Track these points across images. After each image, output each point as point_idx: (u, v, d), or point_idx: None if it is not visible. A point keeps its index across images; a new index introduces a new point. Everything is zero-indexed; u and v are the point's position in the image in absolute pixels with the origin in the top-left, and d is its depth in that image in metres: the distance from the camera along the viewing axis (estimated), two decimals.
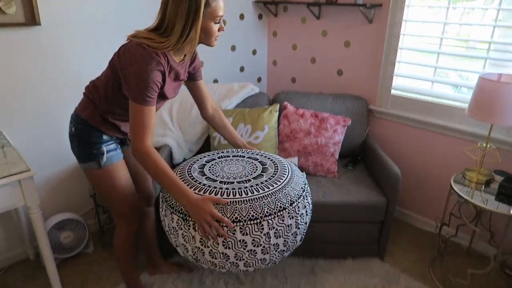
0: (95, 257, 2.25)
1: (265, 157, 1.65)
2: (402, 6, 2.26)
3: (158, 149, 2.32)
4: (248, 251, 1.34)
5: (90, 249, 2.30)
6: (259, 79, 3.24)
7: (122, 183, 1.57)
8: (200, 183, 1.43)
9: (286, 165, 1.59)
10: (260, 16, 3.03)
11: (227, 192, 1.36)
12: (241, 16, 2.90)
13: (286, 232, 1.39)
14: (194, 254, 1.40)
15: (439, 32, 2.20)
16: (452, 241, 2.40)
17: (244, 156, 1.66)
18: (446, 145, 2.31)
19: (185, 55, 1.47)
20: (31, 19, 1.91)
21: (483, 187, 1.90)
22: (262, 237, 1.34)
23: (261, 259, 1.38)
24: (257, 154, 1.68)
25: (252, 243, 1.33)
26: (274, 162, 1.60)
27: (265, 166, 1.56)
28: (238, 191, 1.37)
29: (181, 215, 1.37)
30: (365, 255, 2.19)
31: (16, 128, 2.01)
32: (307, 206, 1.50)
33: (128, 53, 1.30)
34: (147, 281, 2.01)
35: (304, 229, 1.51)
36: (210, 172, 1.52)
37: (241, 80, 3.08)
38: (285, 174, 1.51)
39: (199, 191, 1.38)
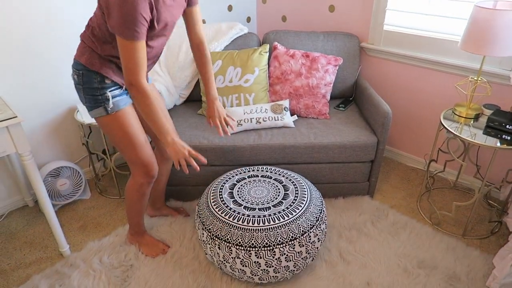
0: (93, 203, 2.31)
1: (290, 180, 1.83)
2: None
3: None
4: (261, 270, 1.58)
5: (87, 196, 2.35)
6: (248, 19, 3.11)
7: (133, 129, 1.54)
8: (227, 206, 1.67)
9: (306, 192, 1.75)
10: None
11: (247, 219, 1.59)
12: None
13: (296, 257, 1.59)
14: (218, 264, 1.68)
15: None
16: (439, 176, 2.48)
17: (271, 177, 1.85)
18: (437, 80, 2.29)
19: None
20: None
21: (472, 122, 1.92)
22: (274, 261, 1.56)
23: (273, 276, 1.61)
24: (283, 176, 1.86)
25: (265, 264, 1.56)
26: (296, 187, 1.78)
27: (287, 192, 1.75)
28: (257, 219, 1.59)
29: (210, 234, 1.62)
30: (355, 193, 2.26)
31: (3, 76, 1.95)
32: (319, 234, 1.66)
33: None
34: (146, 223, 2.08)
35: (316, 252, 1.68)
36: (238, 195, 1.74)
37: (229, 20, 2.96)
38: (303, 203, 1.68)
39: (225, 214, 1.63)
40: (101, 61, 1.44)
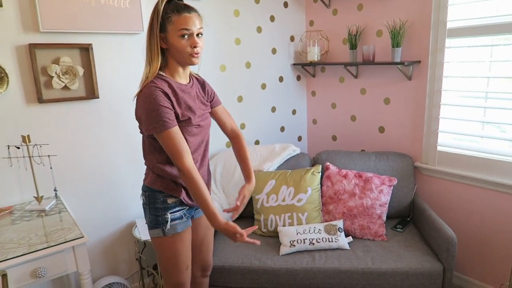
0: None
1: None
2: (442, 62, 2.26)
3: None
4: None
5: None
6: (299, 138, 3.27)
7: (181, 255, 1.59)
8: None
9: None
10: (298, 78, 3.14)
11: None
12: (280, 79, 3.02)
13: None
14: None
15: (483, 86, 2.15)
16: None
17: None
18: (503, 203, 2.15)
19: (190, 77, 1.56)
20: (91, 93, 2.11)
21: None
22: None
23: None
24: None
25: None
26: None
27: None
28: None
29: None
30: None
31: (73, 194, 2.14)
32: None
33: (136, 101, 1.44)
34: None
35: None
36: None
37: (282, 139, 3.13)
38: None
39: None
40: (160, 179, 1.54)
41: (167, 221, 1.53)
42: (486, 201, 2.22)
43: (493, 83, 2.13)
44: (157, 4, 1.37)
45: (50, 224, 1.73)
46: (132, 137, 2.29)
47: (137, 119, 1.49)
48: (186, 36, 1.37)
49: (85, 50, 2.06)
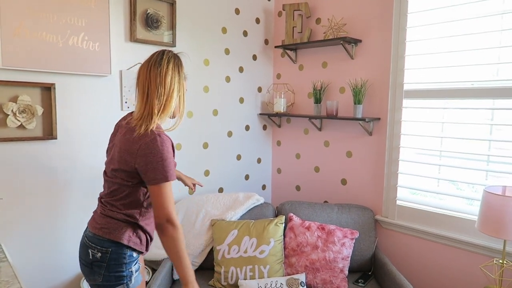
0: None
1: None
2: (400, 120, 2.39)
3: (159, 262, 2.22)
4: None
5: None
6: (263, 187, 3.26)
7: None
8: None
9: None
10: (264, 127, 3.20)
11: None
12: (247, 127, 3.06)
13: None
14: None
15: (437, 145, 2.28)
16: None
17: None
18: (460, 259, 2.20)
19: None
20: (49, 133, 2.02)
21: None
22: None
23: None
24: None
25: None
26: None
27: None
28: None
29: None
30: None
31: (16, 242, 1.96)
32: None
33: (144, 146, 1.38)
34: None
35: None
36: None
37: (246, 188, 3.10)
38: None
39: None
40: (136, 234, 1.48)
41: (132, 275, 1.46)
42: (443, 256, 2.27)
43: (446, 143, 2.26)
44: (180, 61, 1.52)
45: None
46: (87, 184, 2.18)
47: (125, 163, 1.41)
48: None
49: (47, 90, 1.99)
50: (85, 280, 2.08)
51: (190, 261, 1.44)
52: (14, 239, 1.95)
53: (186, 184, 1.96)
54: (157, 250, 2.23)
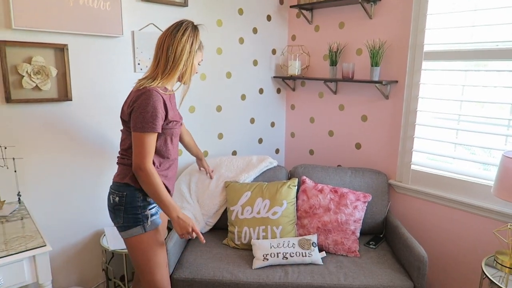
0: None
1: None
2: (418, 83, 2.32)
3: None
4: None
5: None
6: (277, 151, 3.27)
7: (161, 249, 1.65)
8: None
9: None
10: (278, 90, 3.15)
11: None
12: (261, 91, 3.02)
13: None
14: None
15: (456, 109, 2.22)
16: None
17: None
18: (473, 224, 2.20)
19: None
20: (64, 95, 2.03)
21: None
22: None
23: None
24: None
25: None
26: None
27: None
28: None
29: None
30: None
31: (38, 199, 2.03)
32: None
33: (135, 99, 1.53)
34: None
35: None
36: None
37: (259, 151, 3.11)
38: None
39: None
40: None
41: (148, 217, 1.59)
42: (456, 221, 2.27)
43: (466, 107, 2.20)
44: (197, 30, 1.64)
45: (11, 231, 1.63)
46: (104, 142, 2.22)
47: (124, 113, 1.58)
48: (199, 64, 1.74)
49: (60, 51, 1.99)
50: (105, 237, 2.16)
51: (172, 201, 1.56)
52: (35, 197, 2.03)
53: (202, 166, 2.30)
54: None
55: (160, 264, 1.64)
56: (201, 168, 2.38)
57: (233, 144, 2.93)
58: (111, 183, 1.68)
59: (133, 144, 1.53)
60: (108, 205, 1.66)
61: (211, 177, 2.35)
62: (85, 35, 2.06)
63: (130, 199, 1.58)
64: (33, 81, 1.91)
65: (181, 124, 1.72)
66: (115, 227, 2.24)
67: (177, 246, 2.04)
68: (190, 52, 1.60)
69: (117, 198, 1.59)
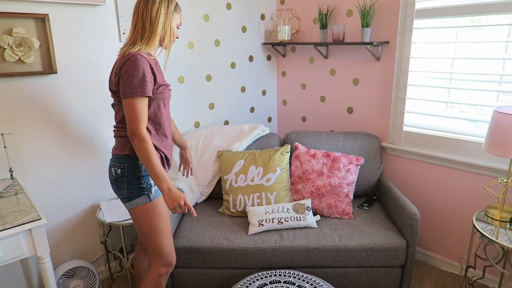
0: None
1: (314, 287, 1.72)
2: (409, 43, 2.28)
3: None
4: None
5: None
6: (269, 119, 3.25)
7: (166, 217, 1.65)
8: None
9: None
10: (268, 57, 3.10)
11: None
12: (250, 58, 2.97)
13: None
14: None
15: (448, 67, 2.20)
16: (479, 284, 2.26)
17: (294, 284, 1.74)
18: (464, 181, 2.23)
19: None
20: (49, 67, 1.98)
21: (508, 225, 1.81)
22: None
23: None
24: (307, 282, 1.75)
25: None
26: None
27: None
28: None
29: None
30: None
31: (31, 175, 2.02)
32: None
33: (121, 66, 1.49)
34: None
35: None
36: None
37: (251, 120, 3.10)
38: None
39: None
40: None
41: (152, 186, 1.60)
42: (447, 179, 2.31)
43: (458, 65, 2.18)
44: None
45: (5, 206, 1.63)
46: (93, 114, 2.19)
47: (112, 84, 1.54)
48: (179, 28, 1.67)
49: (41, 21, 1.92)
50: (101, 210, 2.17)
51: (164, 172, 1.51)
52: (28, 173, 2.02)
53: (181, 163, 2.03)
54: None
55: (165, 231, 1.66)
56: (181, 163, 2.03)
57: (225, 114, 2.91)
58: (110, 156, 1.69)
59: (125, 111, 1.49)
60: (110, 178, 1.65)
61: (191, 173, 2.02)
62: (66, 3, 1.98)
63: (132, 170, 1.57)
64: (15, 54, 1.85)
65: (170, 89, 1.70)
66: (110, 201, 2.25)
67: (173, 216, 2.06)
68: (166, 14, 1.57)
69: (119, 170, 1.58)
